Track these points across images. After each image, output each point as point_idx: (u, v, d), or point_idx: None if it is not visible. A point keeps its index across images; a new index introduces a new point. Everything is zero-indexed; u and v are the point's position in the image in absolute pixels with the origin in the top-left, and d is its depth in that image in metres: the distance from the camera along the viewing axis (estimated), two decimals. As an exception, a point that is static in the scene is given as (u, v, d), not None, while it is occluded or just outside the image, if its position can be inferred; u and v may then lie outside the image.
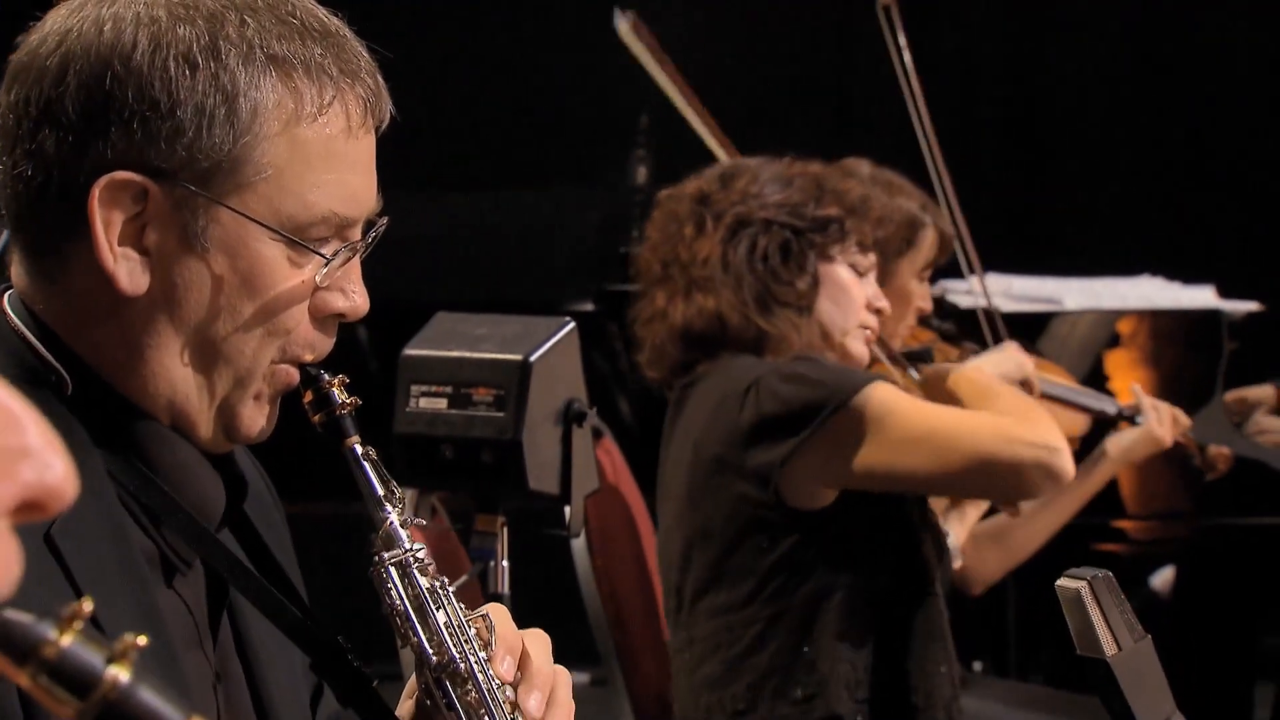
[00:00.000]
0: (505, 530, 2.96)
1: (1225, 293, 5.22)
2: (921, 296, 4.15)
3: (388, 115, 1.76)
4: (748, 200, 3.32)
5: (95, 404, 1.67)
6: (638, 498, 3.97)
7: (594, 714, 2.43)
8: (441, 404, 2.94)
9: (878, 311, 3.41)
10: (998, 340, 4.36)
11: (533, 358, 2.92)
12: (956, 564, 3.67)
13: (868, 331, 3.41)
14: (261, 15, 1.67)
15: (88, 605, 1.03)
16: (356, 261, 1.75)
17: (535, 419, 2.92)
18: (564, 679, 1.81)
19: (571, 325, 3.03)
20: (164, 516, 1.69)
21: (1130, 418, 4.05)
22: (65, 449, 1.58)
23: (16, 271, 1.72)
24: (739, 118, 7.41)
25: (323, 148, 1.69)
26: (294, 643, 1.79)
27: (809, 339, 3.33)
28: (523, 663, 1.79)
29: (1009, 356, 3.62)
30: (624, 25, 3.95)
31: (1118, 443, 4.01)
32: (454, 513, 3.29)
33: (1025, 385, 3.60)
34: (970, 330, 4.48)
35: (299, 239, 1.68)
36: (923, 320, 4.25)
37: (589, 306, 6.27)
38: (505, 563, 2.95)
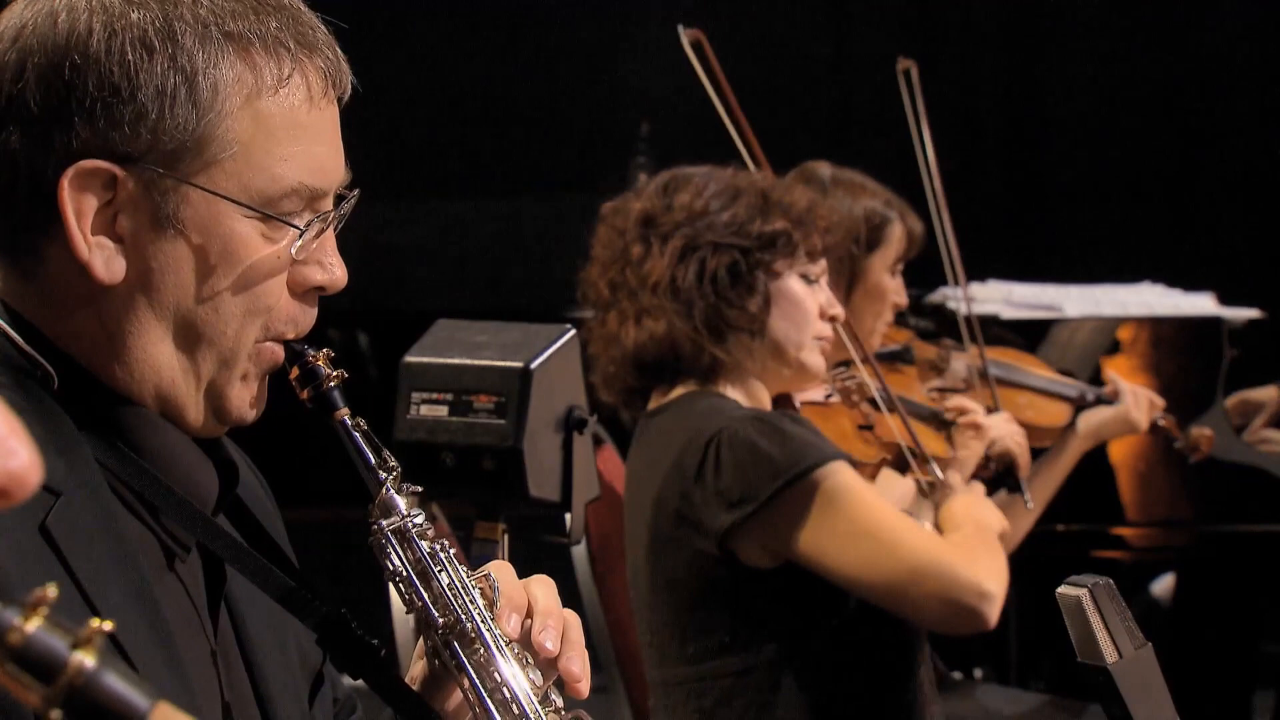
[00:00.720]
0: (506, 537, 2.96)
1: (1225, 300, 5.23)
2: (896, 291, 4.16)
3: (349, 86, 1.75)
4: (694, 221, 3.27)
5: (82, 396, 1.68)
6: (638, 505, 3.96)
7: (594, 721, 2.43)
8: (442, 411, 2.94)
9: (833, 319, 3.35)
10: (990, 342, 4.38)
11: (533, 365, 2.91)
12: None
13: (823, 342, 3.35)
14: None
15: (51, 591, 1.03)
16: (331, 234, 1.75)
17: (536, 426, 2.92)
18: (574, 620, 1.81)
19: (572, 332, 3.03)
20: (159, 503, 1.69)
21: (1109, 403, 4.12)
22: (49, 440, 1.60)
23: None
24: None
25: (286, 120, 1.69)
26: (298, 618, 1.79)
27: (763, 361, 3.28)
28: (532, 608, 1.79)
29: (993, 509, 3.43)
30: (686, 40, 3.89)
31: (1088, 420, 4.07)
32: (454, 520, 3.28)
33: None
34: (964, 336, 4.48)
35: (270, 212, 1.69)
36: (899, 318, 4.26)
37: (589, 314, 6.28)
38: (506, 570, 2.94)
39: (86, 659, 1.02)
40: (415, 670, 1.85)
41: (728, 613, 3.20)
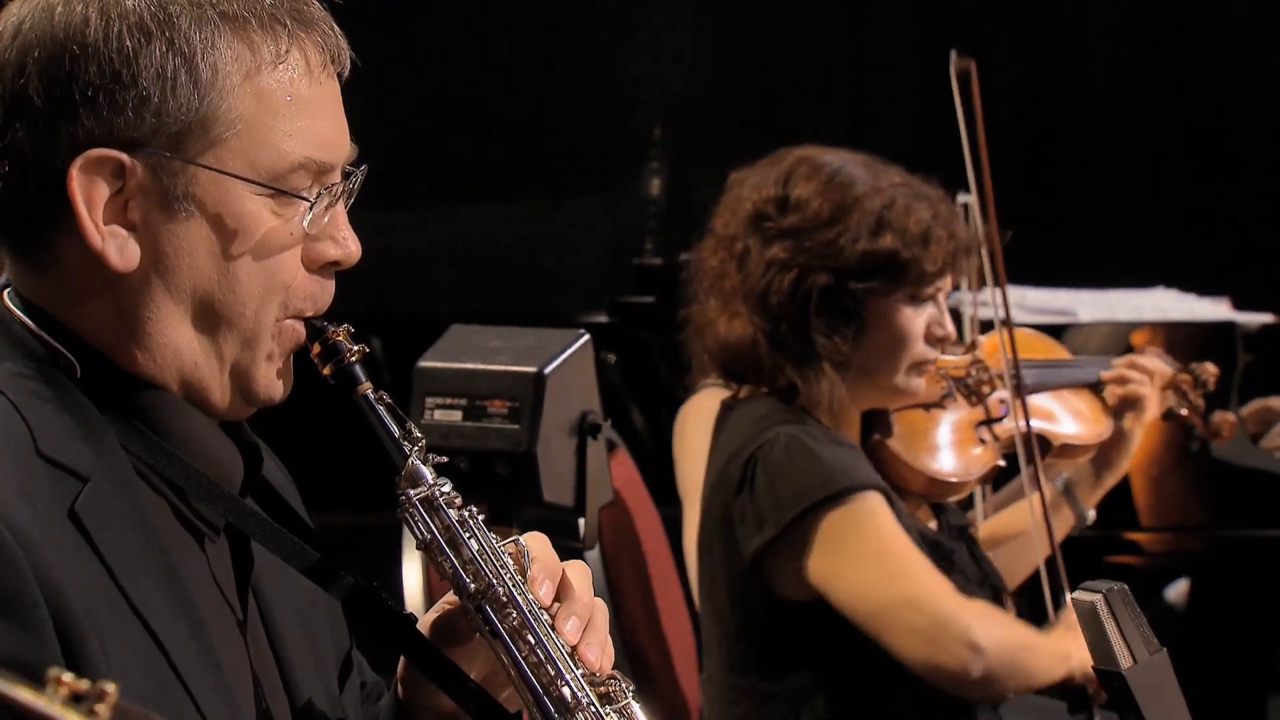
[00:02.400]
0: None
1: (1240, 305, 5.22)
2: None
3: (348, 62, 1.77)
4: (800, 233, 3.13)
5: (105, 383, 1.69)
6: (652, 510, 3.97)
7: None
8: (456, 416, 2.94)
9: (940, 340, 3.21)
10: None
11: (547, 370, 2.92)
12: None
13: (927, 366, 3.21)
14: None
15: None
16: (342, 208, 1.76)
17: (550, 431, 2.92)
18: (602, 609, 1.83)
19: (586, 337, 3.03)
20: (186, 485, 1.71)
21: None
22: (75, 427, 1.62)
23: (10, 268, 1.74)
24: (752, 115, 7.43)
25: (287, 94, 1.70)
26: (330, 593, 1.80)
27: (841, 395, 3.14)
28: (562, 588, 1.80)
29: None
30: (955, 68, 3.59)
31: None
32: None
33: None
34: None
35: (279, 187, 1.70)
36: None
37: (603, 318, 6.27)
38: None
39: None
40: (426, 620, 1.85)
41: (756, 636, 3.18)
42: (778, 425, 3.13)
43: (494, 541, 1.78)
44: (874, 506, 3.05)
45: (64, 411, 1.65)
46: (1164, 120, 7.16)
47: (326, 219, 1.74)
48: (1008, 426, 3.40)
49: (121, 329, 1.70)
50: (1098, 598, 1.82)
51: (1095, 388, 3.57)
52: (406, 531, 3.37)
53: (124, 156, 1.66)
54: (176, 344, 1.70)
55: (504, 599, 1.75)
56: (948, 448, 3.35)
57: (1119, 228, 7.15)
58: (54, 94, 1.66)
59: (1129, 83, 7.23)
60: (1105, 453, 3.52)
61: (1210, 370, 3.83)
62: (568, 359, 2.96)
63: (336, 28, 1.76)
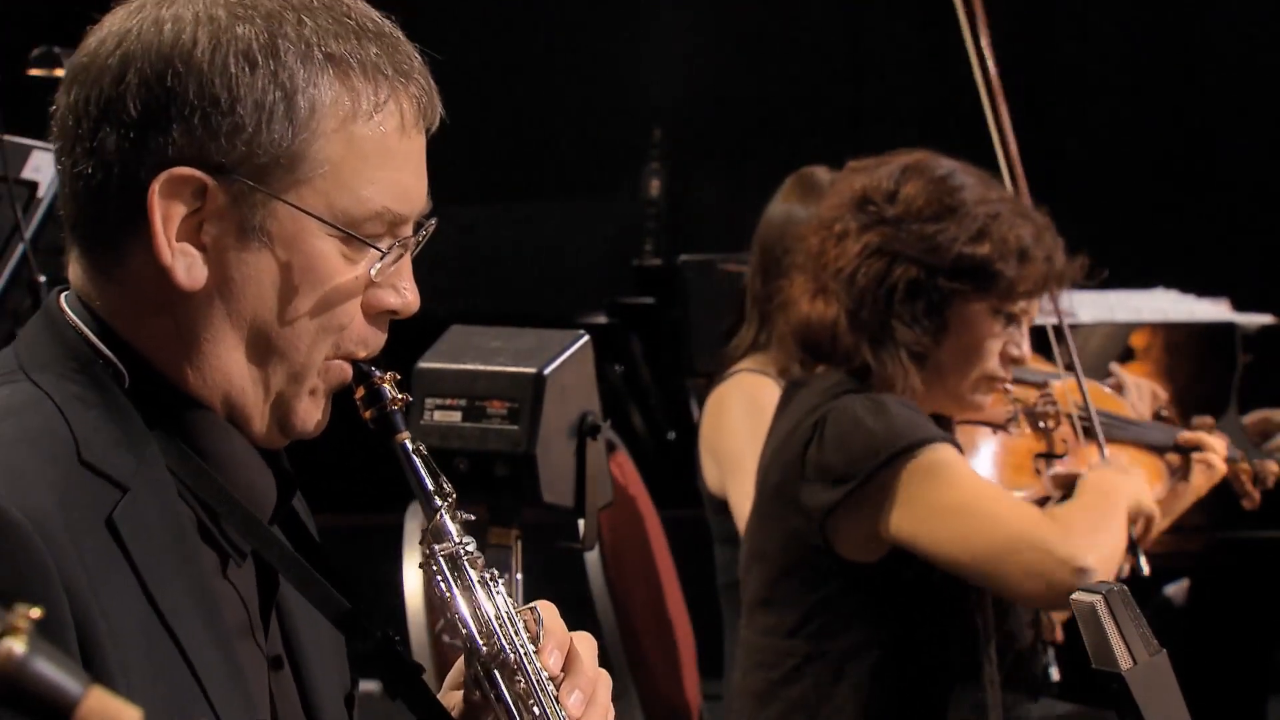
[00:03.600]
0: (519, 543, 2.96)
1: (1240, 305, 5.21)
2: None
3: (438, 116, 1.78)
4: (900, 222, 3.17)
5: (152, 395, 1.70)
6: (651, 511, 3.97)
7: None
8: (455, 417, 2.94)
9: (1015, 360, 3.23)
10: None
11: (547, 371, 2.92)
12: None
13: (996, 384, 3.24)
14: (319, 15, 1.70)
15: None
16: (408, 259, 1.78)
17: (549, 432, 2.92)
18: (605, 682, 1.84)
19: (585, 338, 3.03)
20: (219, 507, 1.71)
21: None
22: (120, 435, 1.63)
23: (74, 270, 1.75)
24: (752, 117, 7.43)
25: (377, 145, 1.71)
26: (345, 635, 1.81)
27: (914, 385, 3.17)
28: (570, 660, 1.82)
29: (1136, 482, 3.29)
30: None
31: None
32: (467, 526, 3.28)
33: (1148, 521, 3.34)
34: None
35: (354, 233, 1.71)
36: None
37: (603, 319, 6.27)
38: (519, 576, 2.95)
39: (16, 645, 1.02)
40: (449, 699, 1.86)
41: (806, 598, 3.20)
42: (849, 393, 3.16)
43: (510, 607, 1.80)
44: (949, 456, 3.08)
45: (108, 420, 1.65)
46: (1164, 121, 7.17)
47: (393, 269, 1.76)
48: (1067, 465, 3.43)
49: (176, 345, 1.70)
50: (1097, 598, 1.82)
51: (1160, 450, 3.60)
52: (407, 532, 3.38)
53: (208, 179, 1.66)
54: (228, 368, 1.71)
55: (513, 665, 1.77)
56: (1004, 469, 3.39)
57: (1119, 228, 7.15)
58: (150, 107, 1.66)
59: (1129, 83, 7.23)
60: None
61: (1272, 470, 3.86)
62: (567, 360, 2.96)
63: (433, 83, 1.77)
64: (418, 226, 1.79)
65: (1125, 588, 1.85)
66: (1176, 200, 7.13)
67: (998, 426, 3.40)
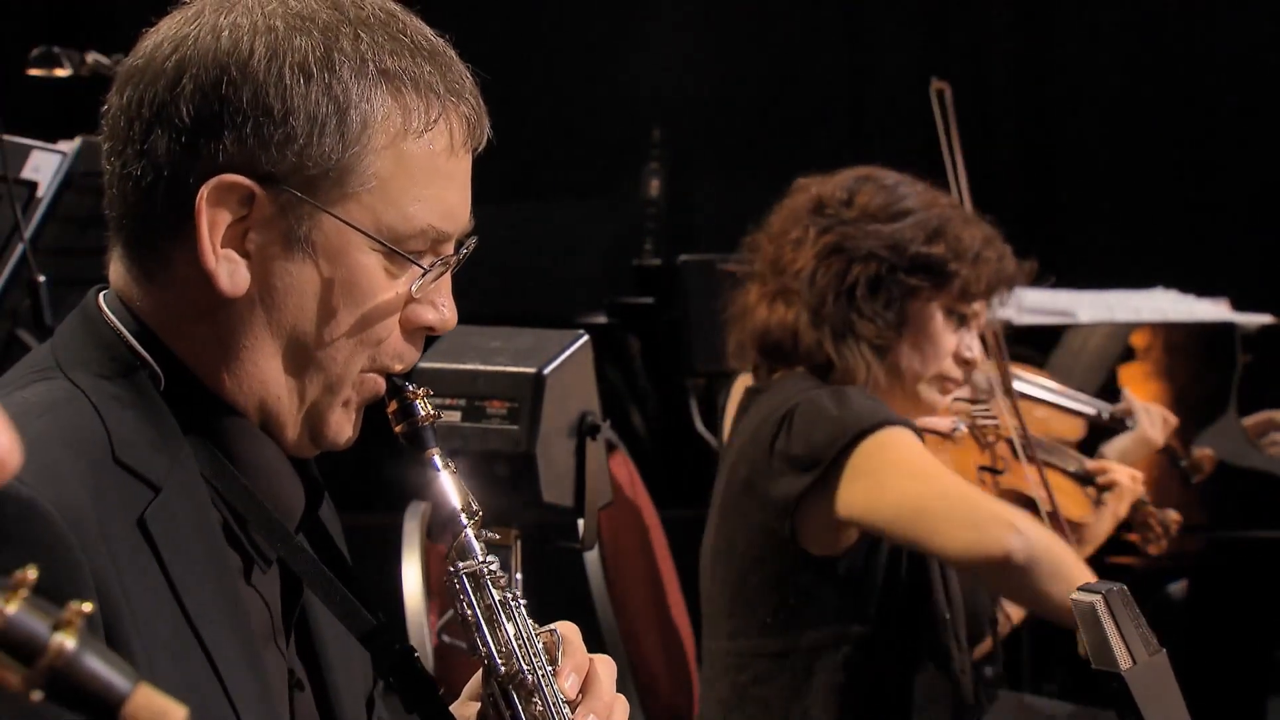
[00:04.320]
0: (519, 543, 2.96)
1: (1239, 306, 5.21)
2: None
3: (485, 137, 1.80)
4: (858, 223, 3.26)
5: (187, 399, 1.71)
6: (651, 511, 3.97)
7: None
8: (455, 416, 2.94)
9: (966, 363, 3.31)
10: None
11: (546, 370, 2.92)
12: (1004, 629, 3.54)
13: (949, 384, 3.32)
14: (375, 31, 1.71)
15: (31, 573, 1.04)
16: (448, 276, 1.80)
17: (549, 432, 2.92)
18: (622, 707, 1.84)
19: (585, 338, 3.04)
20: (247, 513, 1.72)
21: (1121, 421, 4.07)
22: (155, 437, 1.63)
23: (115, 270, 1.76)
24: (751, 117, 7.43)
25: (426, 163, 1.73)
26: (366, 648, 1.82)
27: (876, 379, 3.25)
28: (588, 683, 1.82)
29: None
30: (933, 90, 3.80)
31: (1113, 448, 4.00)
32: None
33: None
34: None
35: (398, 249, 1.72)
36: None
37: (602, 319, 6.27)
38: (518, 575, 2.95)
39: (67, 640, 1.03)
40: (469, 710, 1.87)
41: (774, 594, 3.22)
42: (815, 389, 3.21)
43: (530, 628, 1.80)
44: (903, 438, 3.13)
45: (143, 420, 1.66)
46: (1163, 121, 7.17)
47: (433, 285, 1.77)
48: (1007, 479, 3.51)
49: (214, 350, 1.71)
50: (1097, 598, 1.82)
51: (1086, 480, 3.67)
52: (406, 532, 3.38)
53: (256, 188, 1.67)
54: (264, 375, 1.72)
55: (530, 686, 1.77)
56: None
57: (1118, 228, 7.15)
58: (203, 113, 1.67)
59: (1128, 83, 7.23)
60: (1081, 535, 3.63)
61: (1172, 518, 3.91)
62: (567, 360, 2.97)
63: (482, 104, 1.79)
64: (458, 245, 1.80)
65: (1125, 588, 1.85)
66: (1176, 200, 7.13)
67: (945, 436, 3.47)
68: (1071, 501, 3.61)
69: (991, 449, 3.54)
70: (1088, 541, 3.59)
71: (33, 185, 3.51)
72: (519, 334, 3.02)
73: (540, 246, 6.93)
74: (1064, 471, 3.65)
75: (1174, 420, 4.14)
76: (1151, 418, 4.05)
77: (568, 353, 2.98)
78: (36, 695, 1.03)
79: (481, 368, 2.93)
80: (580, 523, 3.00)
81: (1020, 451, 3.49)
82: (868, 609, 3.20)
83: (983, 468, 3.51)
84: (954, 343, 3.30)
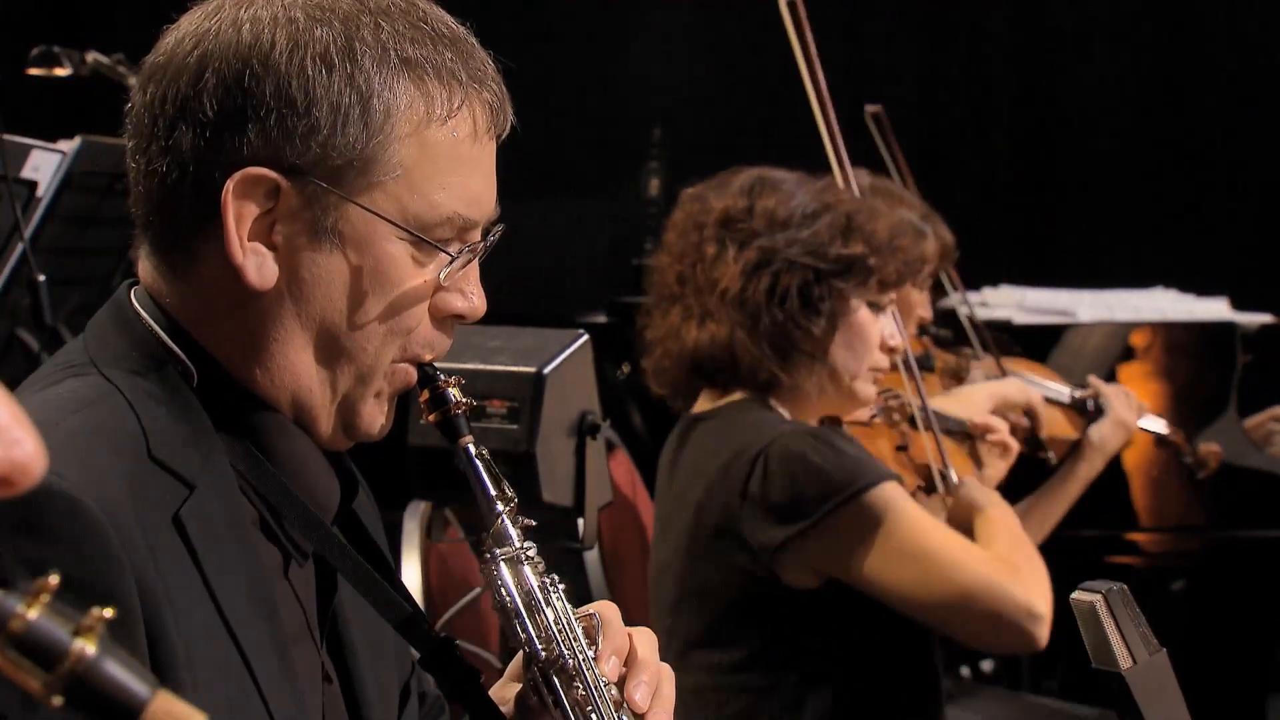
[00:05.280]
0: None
1: (1239, 305, 5.22)
2: (921, 305, 4.18)
3: (509, 123, 1.80)
4: (773, 232, 3.22)
5: (219, 395, 1.71)
6: (650, 511, 3.96)
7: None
8: (455, 416, 2.93)
9: (891, 351, 3.31)
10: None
11: (546, 370, 2.92)
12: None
13: (878, 374, 3.31)
14: (395, 19, 1.72)
15: (54, 578, 1.04)
16: (475, 264, 1.80)
17: (549, 431, 2.92)
18: (668, 675, 1.84)
19: (585, 337, 3.03)
20: (283, 508, 1.72)
21: (1099, 407, 4.04)
22: (188, 433, 1.63)
23: (144, 267, 1.76)
24: (750, 114, 7.43)
25: (450, 150, 1.73)
26: (405, 639, 1.83)
27: (819, 384, 3.24)
28: (631, 659, 1.82)
29: (1014, 384, 3.54)
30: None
31: (1099, 431, 4.01)
32: (467, 525, 3.29)
33: (1031, 415, 3.63)
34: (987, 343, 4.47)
35: (425, 237, 1.72)
36: (920, 328, 4.27)
37: (603, 318, 6.27)
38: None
39: (88, 646, 1.03)
40: (509, 690, 1.87)
41: (758, 629, 3.18)
42: (778, 427, 3.16)
43: (570, 612, 1.80)
44: (895, 496, 3.10)
45: (177, 417, 1.66)
46: (1163, 120, 7.17)
47: (461, 273, 1.77)
48: (914, 452, 3.52)
49: (245, 345, 1.72)
50: (1097, 598, 1.82)
51: (967, 438, 3.68)
52: (406, 531, 3.38)
53: (282, 180, 1.68)
54: (296, 368, 1.72)
55: (572, 670, 1.77)
56: (882, 462, 3.41)
57: (1118, 228, 7.15)
58: (226, 107, 1.67)
59: (1129, 82, 7.23)
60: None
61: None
62: (567, 359, 2.96)
63: (505, 90, 1.79)
64: (485, 232, 1.80)
65: (1125, 587, 1.85)
66: (1176, 198, 7.13)
67: (865, 425, 3.49)
68: (959, 458, 3.60)
69: (899, 427, 3.55)
70: (988, 485, 3.57)
71: (32, 185, 3.51)
72: (519, 333, 3.02)
73: (540, 245, 6.93)
74: (948, 432, 3.65)
75: (1145, 402, 4.15)
76: (1121, 400, 4.05)
77: (568, 352, 2.97)
78: (56, 700, 1.03)
79: (481, 367, 2.92)
80: (580, 523, 3.00)
81: (920, 423, 3.50)
82: (852, 639, 3.18)
83: (899, 447, 3.52)
84: (878, 334, 3.28)
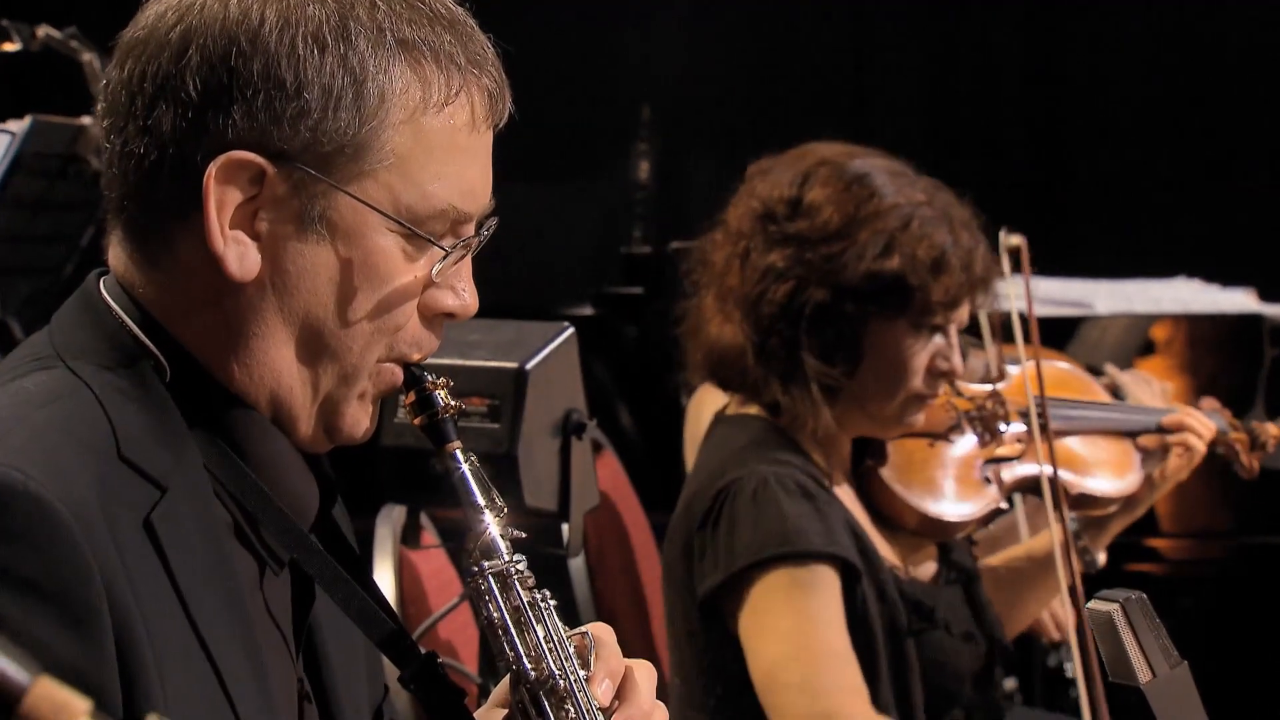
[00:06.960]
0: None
1: (1267, 296, 5.22)
2: None
3: (507, 112, 1.80)
4: (803, 242, 3.08)
5: (194, 392, 1.70)
6: (639, 515, 3.97)
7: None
8: (431, 415, 2.93)
9: (944, 374, 3.13)
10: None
11: (529, 365, 2.92)
12: None
13: (926, 401, 3.14)
14: None
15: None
16: (469, 260, 1.79)
17: (532, 431, 2.92)
18: (661, 714, 1.85)
19: (570, 331, 3.03)
20: (259, 513, 1.72)
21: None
22: (159, 433, 1.63)
23: (115, 254, 1.74)
24: (746, 95, 7.43)
25: (446, 139, 1.72)
26: (386, 654, 1.82)
27: (825, 422, 3.09)
28: (625, 688, 1.82)
29: None
30: (1006, 244, 3.47)
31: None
32: (444, 530, 3.29)
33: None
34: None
35: (418, 230, 1.72)
36: None
37: (589, 310, 6.27)
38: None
39: None
40: (494, 717, 1.86)
41: (706, 659, 3.14)
42: (756, 464, 3.08)
43: (561, 631, 1.79)
44: (818, 580, 3.00)
45: (149, 415, 1.65)
46: (1184, 104, 7.18)
47: (453, 269, 1.76)
48: (1021, 471, 3.34)
49: (223, 339, 1.71)
50: (1115, 607, 1.82)
51: (1131, 434, 3.50)
52: (378, 538, 3.38)
53: (267, 165, 1.67)
54: (276, 365, 1.71)
55: (562, 692, 1.77)
56: (948, 485, 3.29)
57: (1138, 215, 7.16)
58: (210, 85, 1.66)
59: (1147, 67, 7.24)
60: (1126, 503, 3.48)
61: (1271, 432, 3.79)
62: (551, 354, 2.96)
63: (504, 76, 1.78)
64: (479, 226, 1.79)
65: (1144, 596, 1.85)
66: (1198, 185, 7.14)
67: (938, 437, 3.30)
68: (1119, 472, 3.44)
69: (999, 438, 3.34)
70: (1141, 504, 3.44)
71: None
72: (499, 326, 3.02)
73: (522, 233, 6.92)
74: (1104, 431, 3.46)
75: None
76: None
77: (551, 346, 2.97)
78: None
79: (459, 362, 2.92)
80: (565, 528, 3.00)
81: (1036, 430, 3.29)
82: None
83: (988, 461, 3.32)
84: (925, 359, 3.12)
